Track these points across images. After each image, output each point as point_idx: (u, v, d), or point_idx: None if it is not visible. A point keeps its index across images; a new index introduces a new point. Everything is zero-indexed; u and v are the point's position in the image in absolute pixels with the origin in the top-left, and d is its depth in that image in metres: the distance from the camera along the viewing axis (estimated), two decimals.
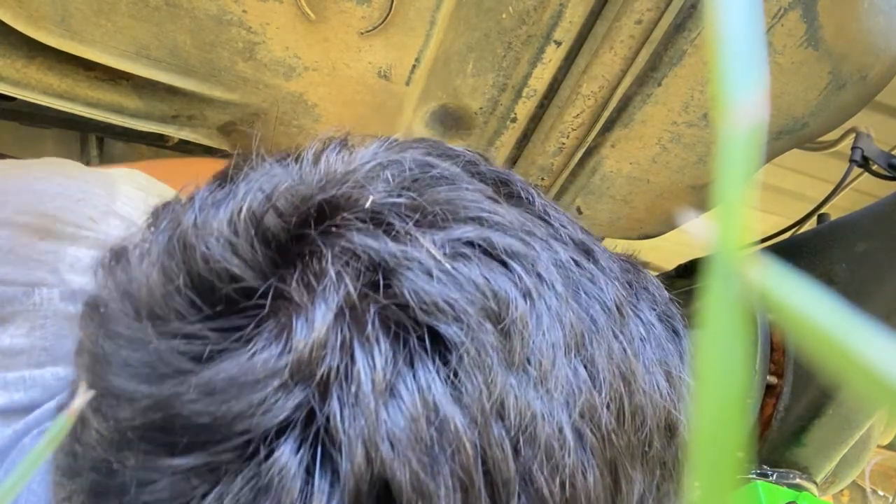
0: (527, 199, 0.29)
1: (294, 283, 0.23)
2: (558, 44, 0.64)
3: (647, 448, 0.26)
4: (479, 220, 0.25)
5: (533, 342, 0.23)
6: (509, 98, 0.68)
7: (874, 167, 0.83)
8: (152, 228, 0.26)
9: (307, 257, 0.24)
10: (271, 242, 0.24)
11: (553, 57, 0.65)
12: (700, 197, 0.78)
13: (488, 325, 0.23)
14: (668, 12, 0.61)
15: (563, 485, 0.22)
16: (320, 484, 0.21)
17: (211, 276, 0.23)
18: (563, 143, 0.73)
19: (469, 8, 0.61)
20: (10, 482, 0.13)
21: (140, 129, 0.69)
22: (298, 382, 0.21)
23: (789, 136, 0.73)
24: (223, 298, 0.23)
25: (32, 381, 0.37)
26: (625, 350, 0.26)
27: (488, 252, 0.24)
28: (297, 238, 0.24)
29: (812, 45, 0.64)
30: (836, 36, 0.64)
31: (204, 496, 0.21)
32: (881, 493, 1.43)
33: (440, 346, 0.22)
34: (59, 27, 0.58)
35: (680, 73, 0.65)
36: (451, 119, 0.71)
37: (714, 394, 0.09)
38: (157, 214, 0.27)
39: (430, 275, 0.23)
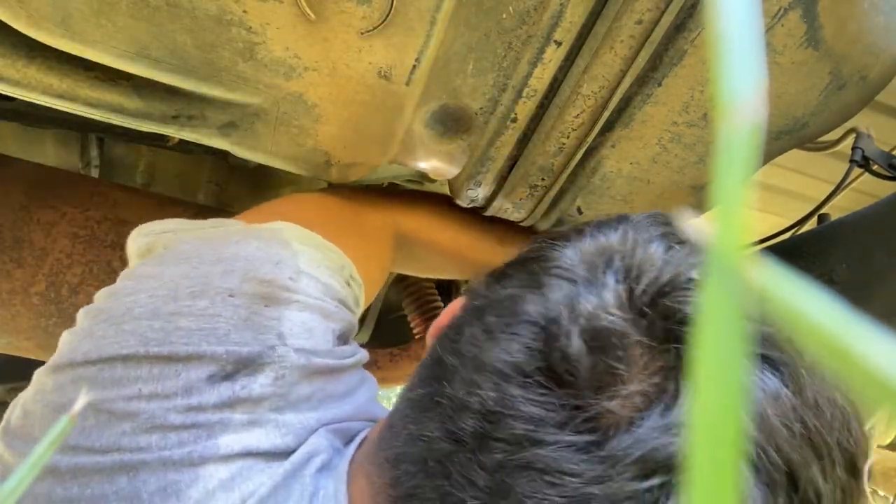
0: None
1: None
2: (558, 44, 0.64)
3: None
4: None
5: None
6: (509, 98, 0.68)
7: (874, 167, 0.83)
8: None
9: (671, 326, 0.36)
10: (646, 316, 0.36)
11: (553, 57, 0.65)
12: (700, 197, 0.78)
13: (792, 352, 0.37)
14: (669, 12, 0.61)
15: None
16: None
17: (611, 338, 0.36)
18: (564, 144, 0.73)
19: (469, 8, 0.61)
20: (11, 483, 0.13)
21: (140, 129, 0.69)
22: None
23: (789, 136, 0.73)
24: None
25: (284, 426, 0.44)
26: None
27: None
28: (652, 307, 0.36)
29: (812, 45, 0.64)
30: (837, 36, 0.64)
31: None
32: (881, 493, 1.43)
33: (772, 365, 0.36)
34: (59, 27, 0.58)
35: (680, 73, 0.65)
36: (451, 119, 0.71)
37: (714, 394, 0.09)
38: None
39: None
